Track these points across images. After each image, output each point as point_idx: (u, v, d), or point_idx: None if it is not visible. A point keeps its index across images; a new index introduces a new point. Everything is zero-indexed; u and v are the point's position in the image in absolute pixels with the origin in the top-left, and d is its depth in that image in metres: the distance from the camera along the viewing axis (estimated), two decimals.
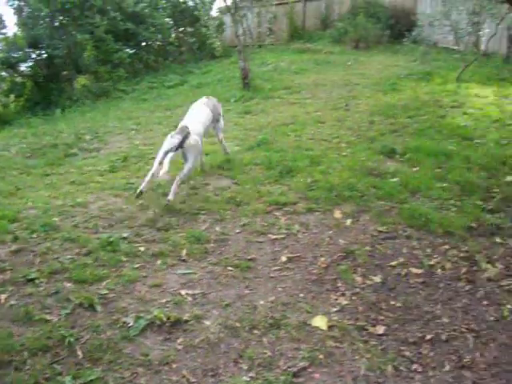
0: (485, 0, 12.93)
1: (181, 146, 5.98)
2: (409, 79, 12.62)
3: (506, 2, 7.47)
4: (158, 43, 19.70)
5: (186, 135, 6.02)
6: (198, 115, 6.74)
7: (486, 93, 10.73)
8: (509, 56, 15.56)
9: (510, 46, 15.53)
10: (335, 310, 3.87)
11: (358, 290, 4.15)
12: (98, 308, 3.91)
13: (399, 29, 17.83)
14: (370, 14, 18.74)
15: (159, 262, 4.66)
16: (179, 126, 6.30)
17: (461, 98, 10.28)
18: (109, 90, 16.81)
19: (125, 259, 4.69)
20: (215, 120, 7.16)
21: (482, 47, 15.16)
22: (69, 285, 4.24)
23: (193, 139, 6.10)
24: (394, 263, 4.57)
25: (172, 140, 5.96)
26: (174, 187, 5.84)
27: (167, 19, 20.15)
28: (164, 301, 4.01)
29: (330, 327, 3.66)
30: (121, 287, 4.22)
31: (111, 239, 4.98)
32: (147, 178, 5.84)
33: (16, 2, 17.13)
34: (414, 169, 6.76)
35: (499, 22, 13.49)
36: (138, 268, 4.54)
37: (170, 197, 5.78)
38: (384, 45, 18.13)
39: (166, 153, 5.86)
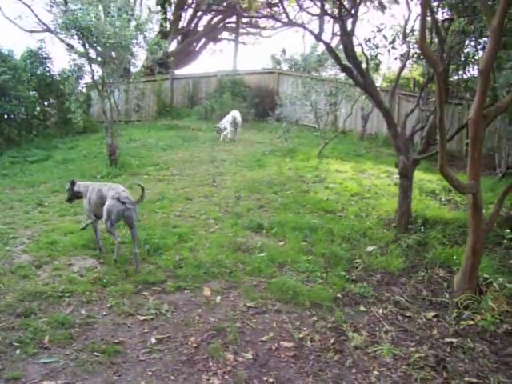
0: (340, 83, 13.99)
1: None
2: (273, 155, 13.14)
3: (358, 85, 8.11)
4: (21, 116, 19.01)
5: None
6: None
7: (345, 168, 11.43)
8: (363, 134, 16.83)
9: (365, 124, 16.83)
10: None
11: (229, 368, 4.12)
12: None
13: (264, 107, 18.67)
14: (235, 93, 19.49)
15: (18, 351, 4.32)
16: None
17: (322, 173, 10.86)
18: None
19: None
20: None
21: (340, 125, 16.28)
22: None
23: None
24: (264, 338, 4.61)
25: None
26: None
27: (32, 92, 19.62)
28: None
29: None
30: None
31: None
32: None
33: None
34: (281, 243, 6.96)
35: (354, 103, 14.63)
36: None
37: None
38: (250, 122, 18.82)
39: None
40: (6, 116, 18.88)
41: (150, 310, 5.07)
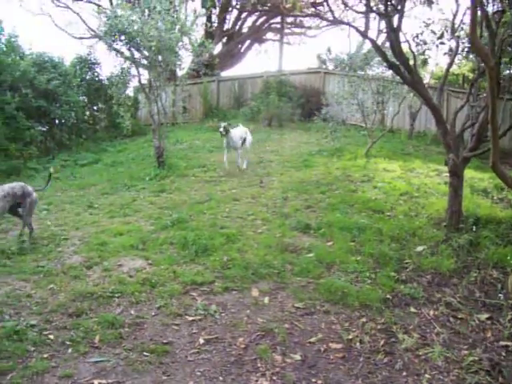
0: (387, 81, 13.79)
1: None
2: (320, 155, 13.06)
3: (405, 83, 7.97)
4: (71, 121, 19.47)
5: None
6: None
7: (394, 167, 11.25)
8: (412, 132, 16.55)
9: (412, 123, 16.55)
10: None
11: (278, 369, 4.10)
12: None
13: (310, 107, 18.57)
14: (281, 94, 19.44)
15: (70, 350, 4.41)
16: None
17: (370, 173, 10.71)
18: (20, 168, 16.28)
19: (33, 349, 4.40)
20: None
21: (388, 124, 16.05)
22: None
23: None
24: (313, 339, 4.57)
25: None
26: None
27: (81, 97, 20.08)
28: None
29: None
30: (27, 380, 3.93)
31: (18, 328, 4.68)
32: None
33: None
34: (329, 243, 6.90)
35: (401, 102, 14.39)
36: (47, 358, 4.27)
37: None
38: (296, 123, 18.76)
39: None
40: (57, 121, 19.40)
41: (199, 311, 5.09)
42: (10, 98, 16.63)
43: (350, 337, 4.61)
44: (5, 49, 17.31)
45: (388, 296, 5.42)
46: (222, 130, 11.79)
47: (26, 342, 4.48)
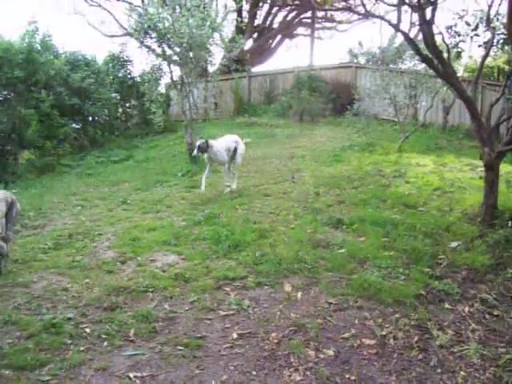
0: (420, 75, 13.63)
1: None
2: (352, 150, 12.98)
3: (439, 76, 7.87)
4: (104, 118, 19.74)
5: None
6: None
7: (426, 162, 11.12)
8: (445, 126, 16.33)
9: (446, 117, 16.33)
10: None
11: (311, 364, 4.09)
12: None
13: (341, 102, 18.47)
14: (312, 89, 19.37)
15: (106, 343, 4.48)
16: None
17: (402, 168, 10.61)
18: (54, 164, 16.58)
19: (69, 342, 4.48)
20: None
21: (420, 118, 15.85)
22: (7, 372, 3.99)
23: None
24: (346, 335, 4.55)
25: None
26: None
27: (114, 94, 20.32)
28: None
29: None
30: (65, 372, 4.01)
31: (55, 321, 4.78)
32: None
33: None
34: (361, 239, 6.86)
35: (434, 95, 14.21)
36: (83, 351, 4.34)
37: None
38: (327, 118, 18.68)
39: None
40: (90, 118, 19.71)
41: (231, 306, 5.12)
42: (45, 97, 16.94)
43: (384, 333, 4.58)
44: (39, 48, 17.59)
45: (422, 292, 5.35)
46: (195, 152, 9.54)
47: (63, 335, 4.57)
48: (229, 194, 9.63)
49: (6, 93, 17.22)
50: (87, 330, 4.69)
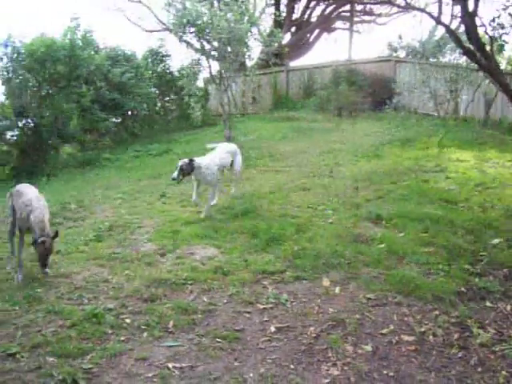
0: (461, 68, 13.40)
1: None
2: (391, 145, 12.84)
3: (481, 69, 7.73)
4: (143, 112, 19.98)
5: None
6: None
7: (467, 157, 10.94)
8: (486, 121, 16.00)
9: (488, 111, 16.00)
10: (327, 381, 3.78)
11: (349, 359, 4.07)
12: (82, 383, 3.77)
13: (380, 96, 18.29)
14: (351, 83, 19.21)
15: (145, 334, 4.54)
16: None
17: (443, 163, 10.46)
18: (94, 158, 16.87)
19: (110, 331, 4.57)
20: None
21: (461, 113, 15.59)
22: (51, 359, 4.09)
23: None
24: (384, 331, 4.51)
25: None
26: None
27: (153, 89, 20.54)
28: (151, 375, 3.89)
29: None
30: (106, 361, 4.08)
31: (96, 311, 4.86)
32: None
33: (5, 73, 17.41)
34: (400, 234, 6.79)
35: (476, 89, 13.95)
36: (123, 341, 4.42)
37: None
38: (366, 112, 18.50)
39: None
40: (129, 112, 19.98)
41: (270, 299, 5.13)
42: (86, 91, 17.26)
43: (423, 329, 4.53)
44: (81, 44, 17.89)
45: (462, 289, 5.27)
46: (175, 175, 7.59)
47: (104, 325, 4.65)
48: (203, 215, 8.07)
49: (48, 88, 17.59)
50: (127, 321, 4.77)
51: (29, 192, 6.12)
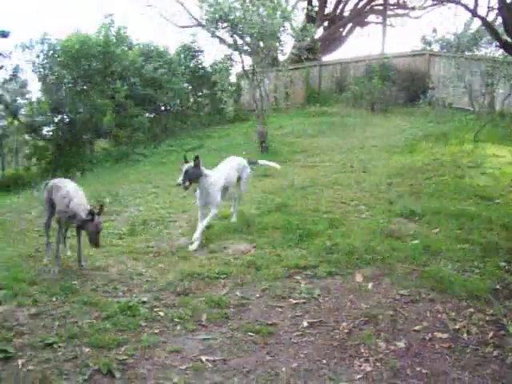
0: (497, 61, 13.15)
1: None
2: (425, 140, 12.68)
3: None
4: (176, 108, 20.11)
5: None
6: None
7: (504, 152, 10.75)
8: None
9: None
10: (359, 376, 3.77)
11: (381, 355, 4.05)
12: (117, 374, 3.83)
13: (414, 91, 18.08)
14: (384, 77, 19.04)
15: (179, 326, 4.60)
16: None
17: (478, 159, 10.30)
18: (128, 153, 17.08)
19: (144, 324, 4.63)
20: None
21: (497, 107, 15.30)
22: (87, 350, 4.17)
23: None
24: (417, 328, 4.48)
25: None
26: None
27: (185, 84, 20.67)
28: (184, 367, 3.93)
29: None
30: (140, 353, 4.14)
31: (131, 303, 4.94)
32: None
33: (41, 70, 17.76)
34: (435, 230, 6.72)
35: None
36: (157, 333, 4.47)
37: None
38: (399, 107, 18.32)
39: None
40: (162, 108, 20.14)
41: (302, 294, 5.13)
42: (120, 87, 17.47)
43: (457, 327, 4.47)
44: (115, 40, 18.11)
45: (497, 287, 5.19)
46: (180, 180, 6.73)
47: (138, 318, 4.72)
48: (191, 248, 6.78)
49: (83, 83, 17.88)
50: (161, 314, 4.82)
51: (67, 185, 6.22)
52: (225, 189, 7.31)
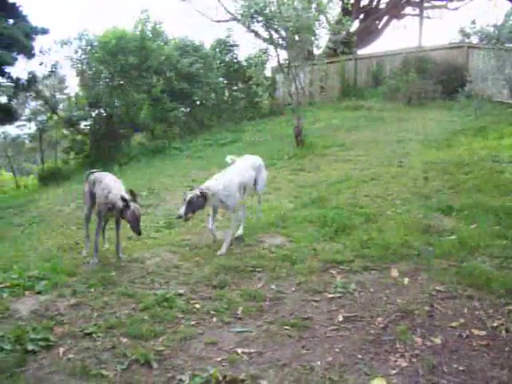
0: None
1: None
2: (463, 134, 12.48)
3: None
4: (212, 102, 20.21)
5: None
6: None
7: None
8: None
9: None
10: (394, 372, 3.75)
11: (417, 351, 4.02)
12: (154, 364, 3.90)
13: (452, 84, 17.78)
14: (421, 70, 18.76)
15: (215, 319, 4.65)
16: None
17: None
18: (164, 147, 17.27)
19: (181, 316, 4.71)
20: None
21: None
22: (125, 340, 4.27)
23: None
24: (454, 324, 4.43)
25: None
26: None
27: (221, 79, 20.75)
28: (220, 359, 3.98)
29: None
30: (177, 344, 4.21)
31: (167, 295, 5.03)
32: None
33: (79, 66, 18.07)
34: (472, 226, 6.61)
35: None
36: (193, 325, 4.54)
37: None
38: (437, 100, 18.03)
39: None
40: (198, 102, 20.26)
41: (338, 289, 5.13)
42: (156, 82, 17.67)
43: (495, 324, 4.41)
44: (151, 35, 18.28)
45: None
46: (182, 211, 6.08)
47: (175, 309, 4.80)
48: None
49: (120, 78, 18.11)
50: (197, 306, 4.89)
51: (107, 178, 6.34)
52: (242, 187, 6.77)
